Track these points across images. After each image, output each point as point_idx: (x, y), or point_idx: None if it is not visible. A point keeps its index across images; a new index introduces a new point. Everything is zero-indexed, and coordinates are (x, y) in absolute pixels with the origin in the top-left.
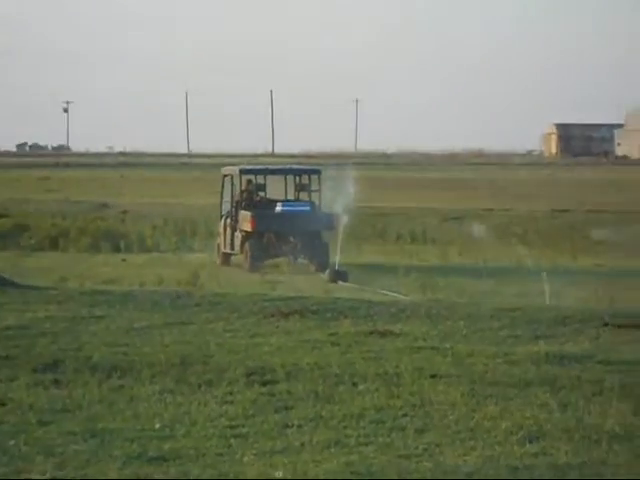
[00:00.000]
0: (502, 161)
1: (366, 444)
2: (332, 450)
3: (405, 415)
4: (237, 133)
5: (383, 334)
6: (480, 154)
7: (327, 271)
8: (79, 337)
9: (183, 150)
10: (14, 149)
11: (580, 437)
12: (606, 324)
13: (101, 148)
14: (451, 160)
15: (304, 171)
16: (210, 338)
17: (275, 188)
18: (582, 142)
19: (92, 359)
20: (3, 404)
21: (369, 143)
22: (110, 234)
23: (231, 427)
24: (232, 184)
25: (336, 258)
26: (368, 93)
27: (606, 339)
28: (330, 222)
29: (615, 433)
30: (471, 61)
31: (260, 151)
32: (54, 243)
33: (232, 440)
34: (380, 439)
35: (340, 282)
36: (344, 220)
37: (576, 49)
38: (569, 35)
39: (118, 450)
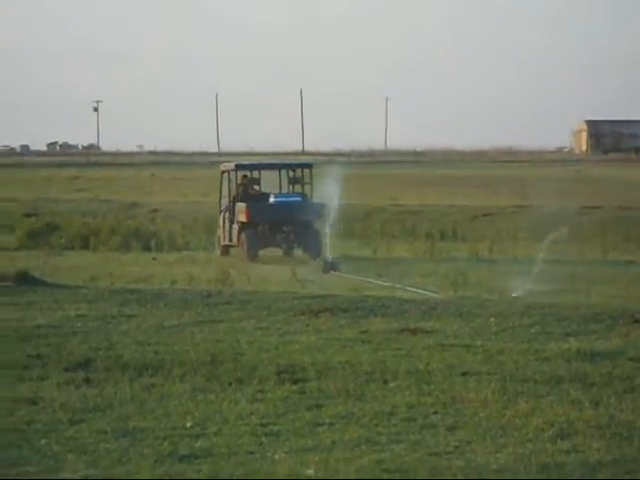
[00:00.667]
0: (532, 158)
1: (397, 442)
2: (363, 448)
3: (436, 413)
4: (268, 132)
5: (414, 332)
6: (509, 151)
7: (320, 262)
8: (110, 336)
9: (213, 149)
10: (45, 148)
11: (612, 434)
12: (637, 321)
13: (131, 147)
14: (480, 157)
15: (296, 165)
16: (240, 336)
17: (272, 182)
18: (612, 139)
19: (123, 358)
20: (34, 403)
21: (399, 141)
22: (140, 233)
23: (262, 425)
24: (229, 179)
25: (325, 249)
26: (398, 91)
27: (637, 336)
28: (320, 212)
29: None
30: (501, 58)
31: (290, 149)
32: (84, 242)
33: (263, 438)
34: (411, 437)
35: (332, 272)
36: (333, 212)
37: (605, 46)
38: (598, 33)
39: (149, 449)
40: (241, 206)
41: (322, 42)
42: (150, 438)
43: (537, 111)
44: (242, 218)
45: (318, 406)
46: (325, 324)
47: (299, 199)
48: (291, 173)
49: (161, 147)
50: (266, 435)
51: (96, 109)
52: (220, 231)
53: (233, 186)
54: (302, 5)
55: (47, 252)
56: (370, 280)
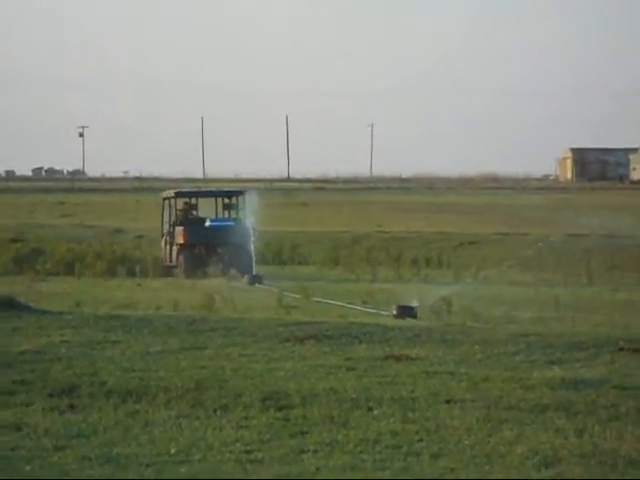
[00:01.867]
0: (516, 185)
1: (382, 469)
2: (348, 475)
3: (421, 440)
4: (253, 158)
5: (398, 359)
6: (494, 178)
7: (246, 276)
8: (95, 362)
9: (199, 175)
10: (30, 173)
11: (596, 462)
12: (621, 349)
13: (117, 173)
14: (465, 184)
15: (231, 193)
16: (225, 363)
17: (209, 208)
18: (597, 166)
19: (107, 384)
20: (19, 429)
21: (385, 167)
22: (125, 259)
23: (247, 452)
24: (170, 205)
25: (254, 265)
26: (383, 117)
27: (621, 364)
28: (250, 235)
29: (631, 458)
30: (486, 85)
31: (277, 176)
32: (69, 268)
33: (248, 465)
34: (396, 464)
35: (257, 284)
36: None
37: (591, 73)
38: (584, 60)
39: (134, 475)
40: (179, 229)
41: (307, 69)
42: (134, 464)
43: (522, 138)
44: (180, 240)
45: (303, 433)
46: (310, 351)
47: (232, 224)
48: (226, 200)
49: (146, 173)
50: (250, 462)
51: (82, 134)
52: (162, 253)
53: (173, 212)
54: (287, 33)
55: (32, 277)
56: (355, 307)
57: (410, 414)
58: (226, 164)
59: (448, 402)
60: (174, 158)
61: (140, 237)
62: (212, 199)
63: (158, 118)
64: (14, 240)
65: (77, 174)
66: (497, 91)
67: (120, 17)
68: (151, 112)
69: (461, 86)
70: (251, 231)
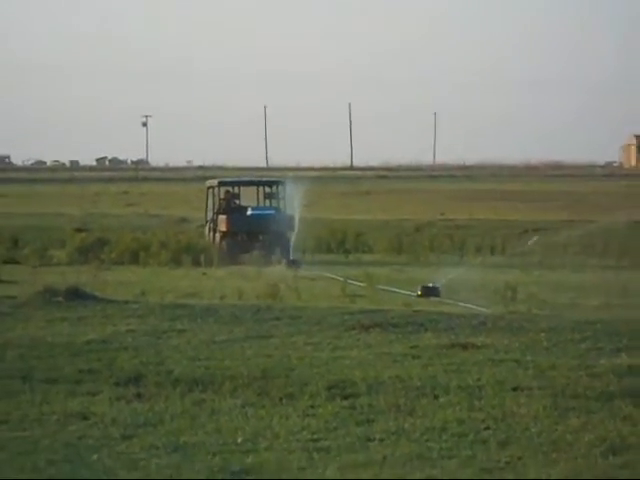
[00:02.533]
0: (580, 173)
1: (449, 457)
2: (414, 463)
3: (487, 428)
4: (316, 146)
5: (464, 347)
6: (558, 166)
7: (284, 261)
8: (160, 351)
9: (262, 164)
10: (94, 163)
11: None
12: None
13: (180, 162)
14: (529, 172)
15: (270, 182)
16: (291, 351)
17: (251, 196)
18: None
19: (174, 373)
20: (86, 418)
21: (447, 155)
22: (190, 248)
23: (313, 440)
24: (214, 194)
25: (291, 251)
26: (446, 106)
27: None
28: (290, 223)
29: None
30: (550, 72)
31: (339, 164)
32: (134, 257)
33: (314, 454)
34: (463, 452)
35: (295, 268)
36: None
37: None
38: None
39: (201, 464)
40: (222, 217)
41: (371, 59)
42: (201, 453)
43: (586, 126)
44: (223, 228)
45: (369, 421)
46: (375, 339)
47: (272, 212)
48: (267, 189)
49: (209, 162)
50: (317, 450)
51: (145, 124)
52: (206, 240)
53: (217, 200)
54: (351, 23)
55: (97, 267)
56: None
57: (476, 402)
58: (289, 153)
59: (514, 390)
60: (237, 147)
61: (204, 226)
62: (254, 188)
63: (221, 107)
64: (79, 230)
65: (141, 163)
66: (560, 80)
67: (183, 6)
68: (214, 101)
69: (525, 76)
70: (290, 219)
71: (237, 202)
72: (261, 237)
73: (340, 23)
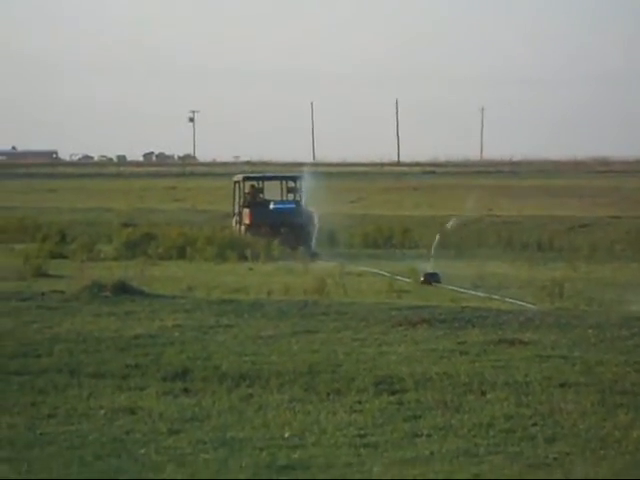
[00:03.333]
0: (628, 168)
1: (496, 453)
2: (462, 460)
3: (535, 424)
4: (364, 142)
5: (512, 343)
6: (605, 162)
7: (305, 252)
8: (207, 346)
9: (309, 159)
10: (141, 158)
11: None
12: None
13: (228, 157)
14: (576, 168)
15: (293, 177)
16: (338, 347)
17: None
18: None
19: (221, 368)
20: (133, 412)
21: (495, 151)
22: (236, 243)
23: (360, 436)
24: (239, 188)
25: (312, 243)
26: (494, 101)
27: None
28: (310, 217)
29: None
30: (595, 68)
31: (386, 160)
32: (181, 252)
33: (362, 449)
34: (510, 448)
35: (315, 259)
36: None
37: None
38: None
39: (248, 459)
40: (246, 211)
41: (418, 53)
42: (248, 448)
43: (633, 121)
44: (247, 220)
45: (416, 417)
46: (422, 335)
47: (293, 206)
48: (290, 183)
49: (256, 157)
50: (364, 446)
51: (192, 119)
52: (233, 231)
53: (242, 194)
54: (397, 19)
55: (144, 262)
56: (466, 291)
57: (524, 398)
58: (336, 148)
59: (562, 386)
60: (284, 143)
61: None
62: (278, 183)
63: (268, 102)
64: (126, 225)
65: (188, 159)
66: (606, 74)
67: (231, 3)
68: (261, 96)
69: (570, 71)
70: (310, 212)
71: (261, 196)
72: (282, 230)
73: (387, 18)
